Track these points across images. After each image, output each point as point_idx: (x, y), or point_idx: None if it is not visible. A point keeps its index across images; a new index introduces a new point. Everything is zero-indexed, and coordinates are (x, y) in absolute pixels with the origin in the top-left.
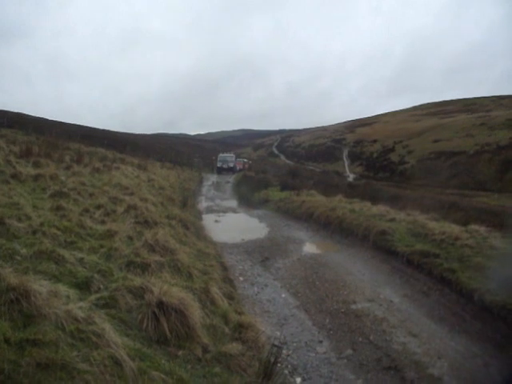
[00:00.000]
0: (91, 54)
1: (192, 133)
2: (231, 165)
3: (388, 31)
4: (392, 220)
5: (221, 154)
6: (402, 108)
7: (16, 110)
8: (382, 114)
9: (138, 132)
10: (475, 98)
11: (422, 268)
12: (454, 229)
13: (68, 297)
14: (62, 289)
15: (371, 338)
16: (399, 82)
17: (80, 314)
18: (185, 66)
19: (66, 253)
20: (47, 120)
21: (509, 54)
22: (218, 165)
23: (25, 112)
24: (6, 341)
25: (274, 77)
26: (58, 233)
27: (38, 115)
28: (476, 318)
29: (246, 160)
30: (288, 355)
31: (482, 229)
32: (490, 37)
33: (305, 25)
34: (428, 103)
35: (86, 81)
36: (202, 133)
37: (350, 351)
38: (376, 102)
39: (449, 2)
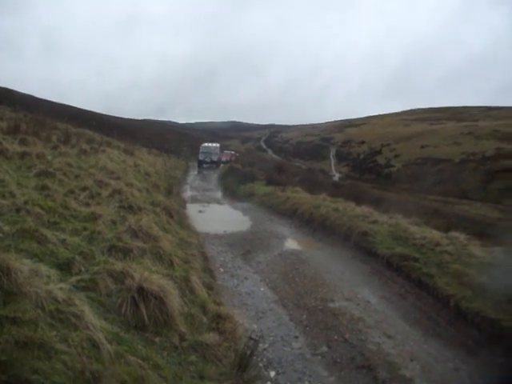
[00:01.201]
0: (87, 33)
1: (181, 121)
2: (215, 158)
3: (389, 34)
4: (374, 222)
5: (204, 144)
6: (393, 111)
7: (4, 86)
8: (371, 116)
9: (127, 116)
10: (464, 107)
11: (401, 271)
12: (435, 234)
13: (49, 277)
14: (44, 268)
15: (347, 336)
16: (395, 85)
17: (60, 295)
18: (181, 54)
19: (48, 233)
20: (36, 98)
21: (504, 67)
22: (200, 157)
23: (14, 88)
24: None
25: (270, 71)
26: (42, 212)
27: (27, 92)
28: (450, 323)
29: (233, 152)
30: (264, 349)
31: (462, 236)
32: (489, 49)
33: (306, 20)
34: (418, 109)
35: (79, 60)
36: (191, 122)
37: (325, 348)
38: (370, 103)
39: (453, 13)
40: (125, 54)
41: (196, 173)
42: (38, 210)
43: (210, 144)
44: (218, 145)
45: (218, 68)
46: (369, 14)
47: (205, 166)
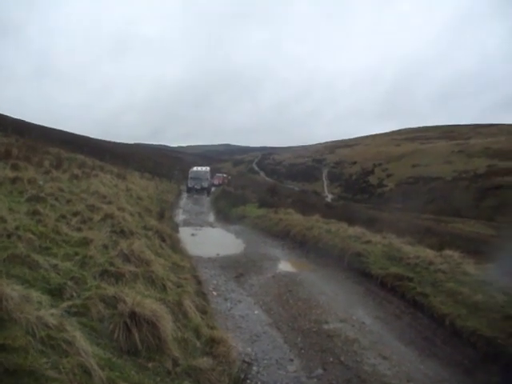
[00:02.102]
0: (79, 56)
1: (173, 145)
2: (205, 184)
3: (381, 54)
4: (368, 242)
5: (193, 169)
6: (385, 131)
7: None
8: (363, 137)
9: (119, 140)
10: (455, 125)
11: (395, 291)
12: (429, 253)
13: (40, 303)
14: (35, 294)
15: (342, 358)
16: (387, 105)
17: (51, 321)
18: (174, 76)
19: (40, 258)
20: (28, 123)
21: (496, 84)
22: (189, 184)
23: (5, 113)
24: None
25: (262, 93)
26: (34, 237)
27: (18, 117)
28: (446, 342)
29: (225, 175)
30: (258, 372)
31: (456, 254)
32: (481, 67)
33: (298, 41)
34: (408, 128)
35: (71, 84)
36: (183, 145)
37: (320, 371)
38: (362, 124)
39: (445, 30)
40: (118, 78)
41: (188, 196)
42: (29, 235)
43: (199, 168)
44: (208, 168)
45: (211, 91)
46: (361, 35)
47: (194, 193)
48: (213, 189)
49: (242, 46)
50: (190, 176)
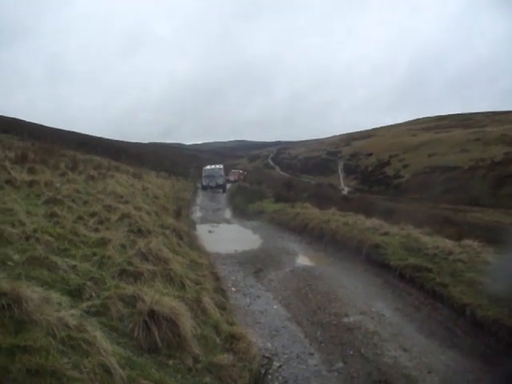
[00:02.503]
0: (91, 57)
1: (188, 142)
2: (220, 181)
3: (396, 43)
4: (385, 234)
5: (206, 167)
6: (400, 121)
7: (12, 115)
8: (378, 128)
9: (134, 140)
10: (471, 113)
11: (414, 282)
12: (447, 243)
13: (60, 304)
14: (54, 296)
15: (362, 351)
16: (403, 95)
17: (71, 321)
18: (187, 73)
19: (58, 260)
20: (43, 126)
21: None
22: (203, 182)
23: (21, 117)
24: None
25: (276, 86)
26: (52, 239)
27: (33, 121)
28: (467, 332)
29: (241, 171)
30: (279, 367)
31: (476, 244)
32: (497, 52)
33: (312, 33)
34: (424, 118)
35: (84, 85)
36: (198, 143)
37: (340, 364)
38: (378, 115)
39: (460, 15)
40: (130, 77)
41: (204, 194)
42: (47, 237)
43: (213, 166)
44: (221, 166)
45: (224, 86)
46: (376, 24)
47: (210, 191)
48: (228, 185)
49: (255, 40)
50: (203, 174)
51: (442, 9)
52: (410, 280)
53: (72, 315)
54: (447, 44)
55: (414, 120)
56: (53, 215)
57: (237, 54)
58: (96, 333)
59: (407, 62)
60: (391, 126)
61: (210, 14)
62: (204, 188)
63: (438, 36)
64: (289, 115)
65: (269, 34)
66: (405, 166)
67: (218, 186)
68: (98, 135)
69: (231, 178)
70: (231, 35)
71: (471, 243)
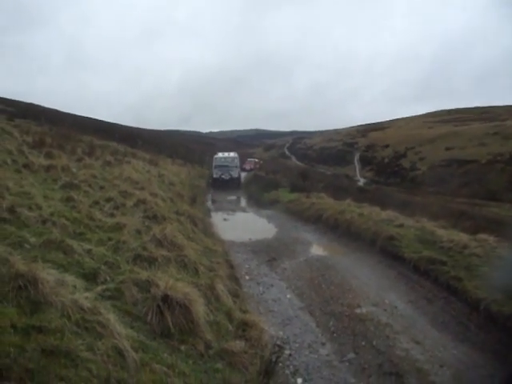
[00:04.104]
0: (111, 43)
1: (205, 130)
2: (234, 173)
3: (421, 32)
4: (400, 226)
5: (218, 155)
6: (419, 113)
7: (30, 101)
8: (395, 120)
9: (152, 127)
10: (490, 106)
11: (428, 275)
12: (463, 237)
13: (75, 286)
14: (69, 278)
15: (374, 342)
16: (425, 86)
17: (86, 304)
18: (207, 61)
19: (74, 243)
20: (61, 112)
21: None
22: (214, 174)
23: (38, 102)
24: (13, 326)
25: (296, 76)
26: (68, 223)
27: (51, 106)
28: (481, 327)
29: (256, 160)
30: (290, 355)
31: (492, 238)
32: None
33: (334, 23)
34: (442, 110)
35: (103, 72)
36: (214, 131)
37: (352, 355)
38: (398, 107)
39: (487, 7)
40: (149, 64)
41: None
42: (63, 221)
43: (225, 154)
44: (236, 155)
45: (243, 75)
46: (402, 13)
47: (222, 187)
48: (244, 173)
49: (277, 28)
50: (214, 164)
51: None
52: (423, 273)
53: (86, 298)
54: (473, 36)
55: (431, 112)
56: (69, 199)
57: (258, 42)
58: (110, 316)
59: (432, 53)
60: (409, 118)
61: (232, 1)
62: (214, 182)
63: (465, 27)
64: (308, 105)
65: (291, 22)
66: (421, 159)
67: (233, 180)
68: (116, 121)
69: (247, 166)
70: (253, 23)
71: (487, 237)
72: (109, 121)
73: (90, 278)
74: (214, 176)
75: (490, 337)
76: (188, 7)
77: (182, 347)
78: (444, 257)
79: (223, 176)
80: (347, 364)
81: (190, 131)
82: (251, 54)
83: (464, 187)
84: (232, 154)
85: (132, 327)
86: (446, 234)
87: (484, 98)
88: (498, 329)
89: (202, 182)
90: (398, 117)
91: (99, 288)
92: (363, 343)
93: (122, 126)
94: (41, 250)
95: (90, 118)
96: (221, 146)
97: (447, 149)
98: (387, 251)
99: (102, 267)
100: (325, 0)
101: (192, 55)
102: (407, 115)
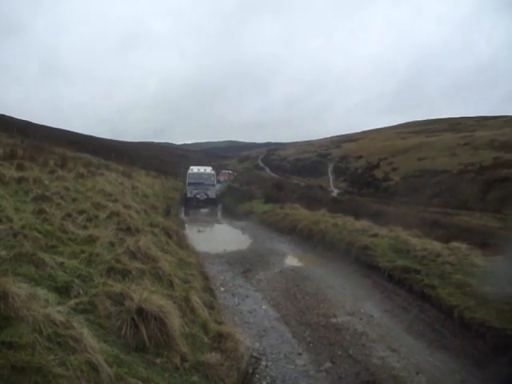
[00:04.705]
0: (86, 54)
1: (178, 142)
2: (211, 193)
3: (396, 45)
4: (374, 235)
5: (193, 170)
6: (391, 125)
7: (2, 112)
8: (368, 131)
9: (125, 139)
10: (461, 117)
11: (402, 283)
12: (436, 246)
13: (47, 300)
14: (41, 292)
15: (350, 351)
16: (398, 99)
17: (58, 318)
18: (183, 72)
19: (46, 256)
20: (33, 123)
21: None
22: (188, 193)
23: (11, 114)
24: None
25: (271, 88)
26: (40, 236)
27: (23, 117)
28: (455, 334)
29: (230, 172)
30: (267, 366)
31: (464, 246)
32: (497, 58)
33: (311, 34)
34: (414, 121)
35: (78, 83)
36: (188, 142)
37: (329, 364)
38: (372, 118)
39: (462, 19)
40: (125, 75)
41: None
42: (35, 234)
43: (201, 170)
44: (212, 171)
45: (220, 86)
46: (377, 25)
47: (196, 205)
48: (218, 185)
49: (253, 41)
50: (188, 181)
51: (444, 12)
52: (398, 281)
53: (59, 312)
54: (447, 48)
55: (404, 123)
56: (41, 212)
57: (234, 54)
58: (83, 330)
59: (406, 65)
60: (381, 129)
61: (209, 13)
62: (188, 202)
63: (438, 39)
64: (283, 117)
65: (268, 34)
66: (394, 169)
67: (210, 201)
68: (90, 133)
69: (221, 178)
70: (229, 34)
71: (459, 245)
72: (83, 133)
73: (63, 291)
74: (188, 195)
75: (464, 343)
76: (165, 18)
77: (158, 360)
78: (418, 265)
79: (198, 196)
80: (324, 374)
81: (163, 143)
82: (228, 65)
83: (436, 197)
84: (208, 170)
85: (106, 341)
86: (419, 242)
87: (456, 110)
88: (472, 335)
89: (176, 194)
90: (371, 128)
91: (72, 302)
92: (339, 352)
93: (96, 138)
94: (11, 263)
95: (64, 130)
96: (195, 158)
97: (419, 159)
98: (362, 261)
99: (75, 280)
100: (302, 12)
101: (168, 66)
102: (381, 126)
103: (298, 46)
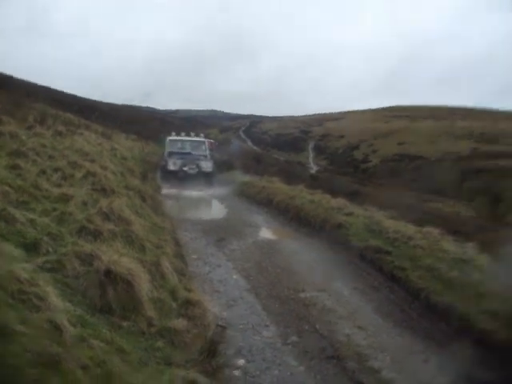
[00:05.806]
0: (74, 12)
1: (161, 107)
2: (206, 166)
3: (392, 30)
4: (350, 214)
5: (174, 137)
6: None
7: None
8: (352, 111)
9: (108, 100)
10: (445, 106)
11: (374, 263)
12: (409, 229)
13: (14, 257)
14: (9, 248)
15: (317, 327)
16: (388, 82)
17: (23, 275)
18: (172, 41)
19: (16, 212)
20: (16, 78)
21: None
22: (171, 165)
23: None
24: None
25: (262, 61)
26: (11, 191)
27: (5, 71)
28: (422, 316)
29: (212, 141)
30: (233, 336)
31: (436, 231)
32: (491, 52)
33: (305, 10)
34: (398, 106)
35: (65, 40)
36: (172, 109)
37: (295, 338)
38: (359, 99)
39: (459, 8)
40: (114, 38)
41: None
42: (6, 188)
43: (188, 138)
44: (204, 140)
45: (209, 57)
46: (373, 10)
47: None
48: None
49: (246, 11)
50: (168, 150)
51: (441, 1)
52: (370, 261)
53: (25, 269)
54: (441, 36)
55: (388, 107)
56: (15, 167)
57: (228, 24)
58: (48, 288)
59: (398, 49)
60: (365, 111)
61: None
62: (170, 175)
63: (433, 28)
64: (269, 90)
65: (262, 7)
66: (374, 151)
67: (202, 177)
68: (72, 93)
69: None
70: (222, 4)
71: (432, 230)
72: (65, 91)
73: (31, 248)
74: (171, 168)
75: (429, 325)
76: None
77: (124, 324)
78: (389, 247)
79: (186, 168)
80: (290, 347)
81: (146, 107)
82: (219, 37)
83: (413, 182)
84: (199, 139)
85: (71, 301)
86: (392, 224)
87: (443, 99)
88: (437, 318)
89: (155, 159)
90: (355, 109)
91: (40, 259)
92: (307, 327)
93: (79, 97)
94: None
95: (48, 87)
96: (178, 124)
97: (399, 143)
98: (335, 238)
99: (45, 238)
100: None
101: (160, 30)
102: (364, 108)
103: (289, 21)
